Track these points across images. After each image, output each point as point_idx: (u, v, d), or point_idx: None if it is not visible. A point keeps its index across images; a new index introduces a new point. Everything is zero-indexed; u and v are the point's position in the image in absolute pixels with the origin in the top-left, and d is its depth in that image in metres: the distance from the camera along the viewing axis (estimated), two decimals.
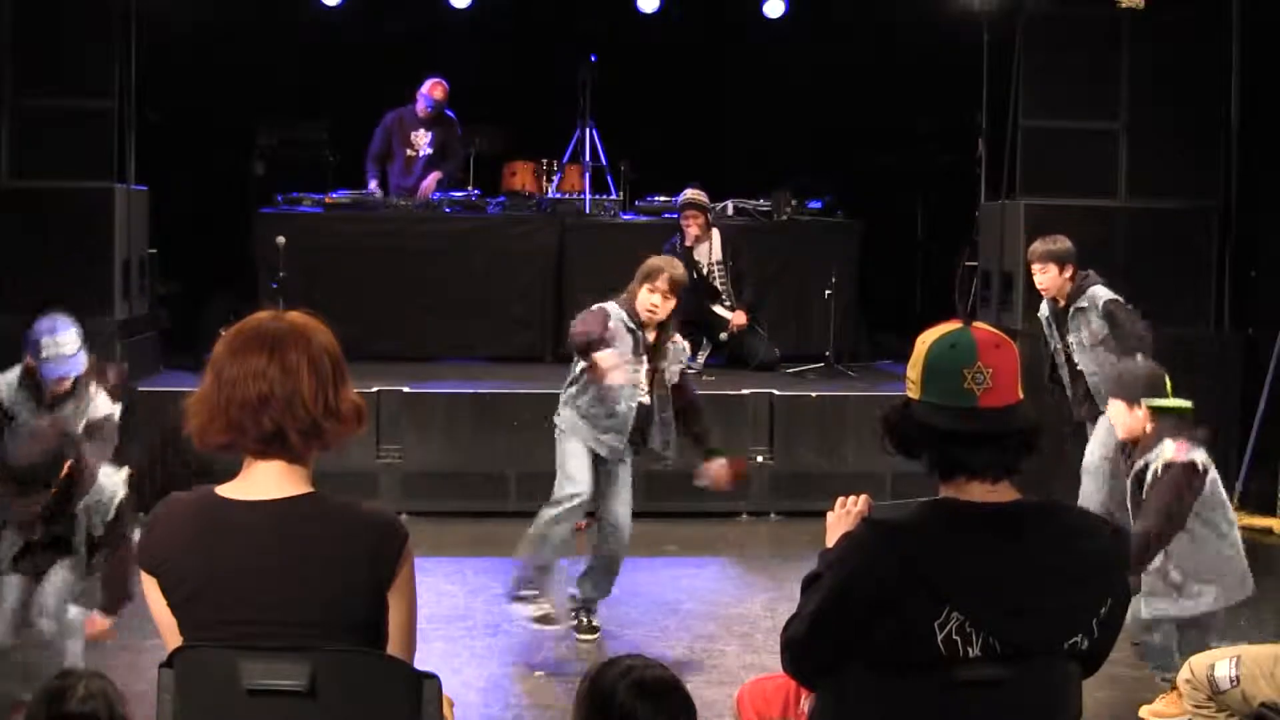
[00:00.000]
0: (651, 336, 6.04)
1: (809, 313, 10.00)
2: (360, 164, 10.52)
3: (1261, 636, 5.75)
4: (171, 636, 2.66)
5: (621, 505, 6.03)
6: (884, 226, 11.00)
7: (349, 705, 2.59)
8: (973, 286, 9.53)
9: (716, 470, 6.11)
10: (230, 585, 2.58)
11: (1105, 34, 8.70)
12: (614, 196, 10.55)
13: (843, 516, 2.93)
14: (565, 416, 6.03)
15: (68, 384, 6.02)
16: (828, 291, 9.40)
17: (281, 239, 8.75)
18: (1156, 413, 5.30)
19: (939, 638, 2.57)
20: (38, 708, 2.99)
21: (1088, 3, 8.72)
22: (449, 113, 10.48)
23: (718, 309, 9.63)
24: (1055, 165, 8.75)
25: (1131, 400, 5.35)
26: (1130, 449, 5.44)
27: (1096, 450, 6.73)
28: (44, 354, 5.84)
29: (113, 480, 5.09)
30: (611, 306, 5.96)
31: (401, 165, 10.42)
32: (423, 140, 10.40)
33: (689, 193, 9.60)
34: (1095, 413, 6.80)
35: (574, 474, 5.90)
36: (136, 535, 3.06)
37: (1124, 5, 8.53)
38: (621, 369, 5.76)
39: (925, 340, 2.72)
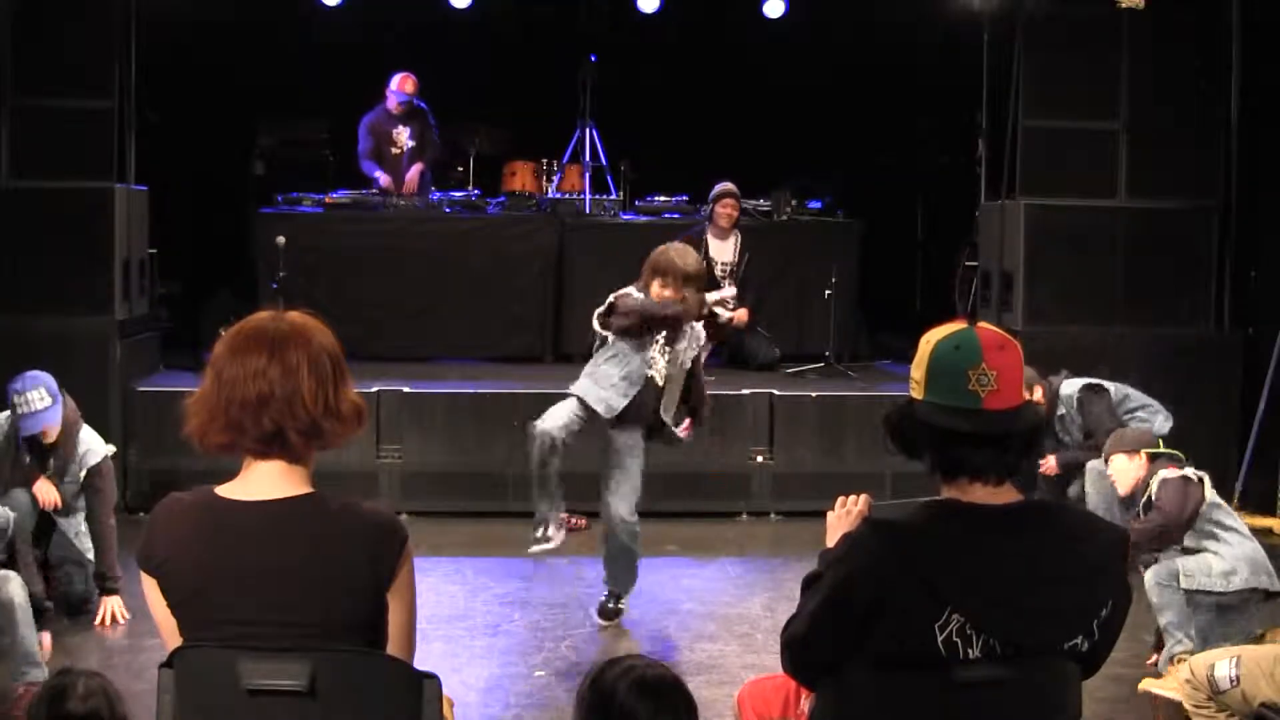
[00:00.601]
0: None
1: (809, 313, 9.99)
2: (357, 165, 10.52)
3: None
4: (171, 636, 2.66)
5: (616, 499, 6.08)
6: (884, 226, 11.00)
7: (349, 705, 2.59)
8: (973, 286, 9.53)
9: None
10: (230, 585, 2.58)
11: (1105, 34, 8.69)
12: (614, 196, 10.55)
13: (843, 516, 2.93)
14: (578, 381, 6.15)
15: (52, 435, 6.07)
16: (828, 291, 9.40)
17: (281, 239, 8.74)
18: (1152, 458, 5.80)
19: (939, 638, 2.57)
20: (39, 706, 2.99)
21: (1088, 3, 8.71)
22: (420, 104, 10.47)
23: (719, 310, 9.62)
24: (1055, 165, 8.74)
25: (1132, 450, 5.85)
26: (1134, 503, 5.83)
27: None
28: (18, 411, 5.94)
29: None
30: (633, 290, 6.09)
31: (388, 165, 10.43)
32: (404, 136, 10.41)
33: (728, 184, 9.60)
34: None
35: (549, 413, 6.02)
36: None
37: (1124, 5, 8.53)
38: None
39: (929, 340, 2.71)
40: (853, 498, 2.96)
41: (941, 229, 11.57)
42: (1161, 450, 5.84)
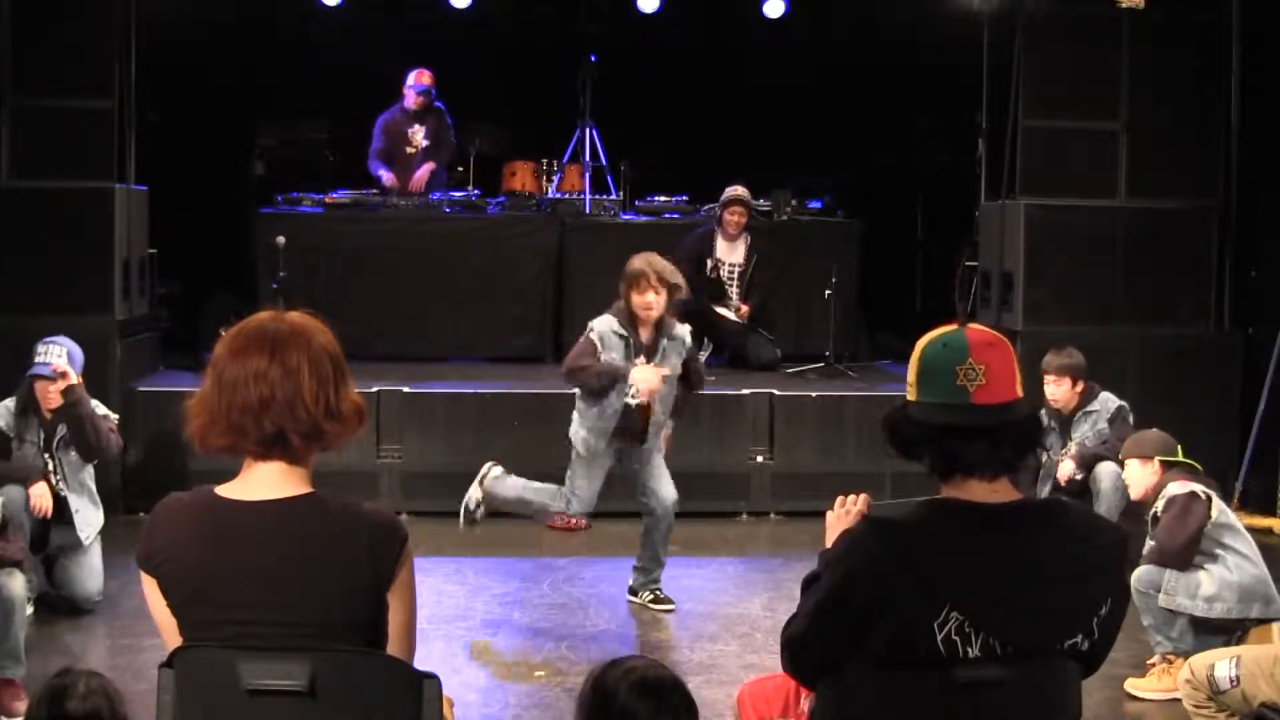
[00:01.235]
0: (645, 336, 6.15)
1: (809, 313, 10.00)
2: (361, 164, 10.51)
3: None
4: (171, 636, 2.66)
5: (664, 487, 6.38)
6: (884, 226, 11.00)
7: (349, 705, 2.59)
8: (973, 286, 9.53)
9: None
10: (230, 585, 2.58)
11: (1105, 34, 8.69)
12: (614, 196, 10.55)
13: (842, 516, 2.94)
14: (572, 429, 6.39)
15: (53, 398, 6.25)
16: (828, 291, 9.40)
17: (281, 239, 8.74)
18: (1166, 466, 5.61)
19: (938, 637, 2.57)
20: (39, 706, 2.99)
21: (1088, 3, 8.72)
22: (438, 103, 10.48)
23: (720, 310, 9.63)
24: (1055, 165, 8.74)
25: (1147, 456, 5.65)
26: (1146, 510, 5.67)
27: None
28: (36, 359, 6.27)
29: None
30: (599, 321, 6.24)
31: (400, 164, 10.43)
32: (419, 136, 10.41)
33: (739, 189, 9.59)
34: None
35: (579, 491, 6.34)
36: None
37: (1124, 5, 8.53)
38: (652, 378, 6.10)
39: (921, 342, 2.75)
40: (852, 497, 2.97)
41: (941, 229, 11.56)
42: (1177, 459, 5.64)
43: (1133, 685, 5.42)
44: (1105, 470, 6.87)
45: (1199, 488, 5.43)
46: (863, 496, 2.95)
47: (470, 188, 10.60)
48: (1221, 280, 8.94)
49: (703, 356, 9.44)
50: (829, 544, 2.83)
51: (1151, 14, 8.58)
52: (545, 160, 10.70)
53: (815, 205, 10.62)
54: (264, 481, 2.65)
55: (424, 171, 10.35)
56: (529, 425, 8.07)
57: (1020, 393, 2.71)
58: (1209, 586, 5.32)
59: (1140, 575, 5.43)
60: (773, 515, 8.39)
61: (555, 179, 10.59)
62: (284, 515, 2.62)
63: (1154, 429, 5.86)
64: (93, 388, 7.28)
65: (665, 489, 6.37)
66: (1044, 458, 7.13)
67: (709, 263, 9.56)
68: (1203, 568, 5.37)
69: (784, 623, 2.82)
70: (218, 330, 3.02)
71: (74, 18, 8.09)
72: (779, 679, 3.24)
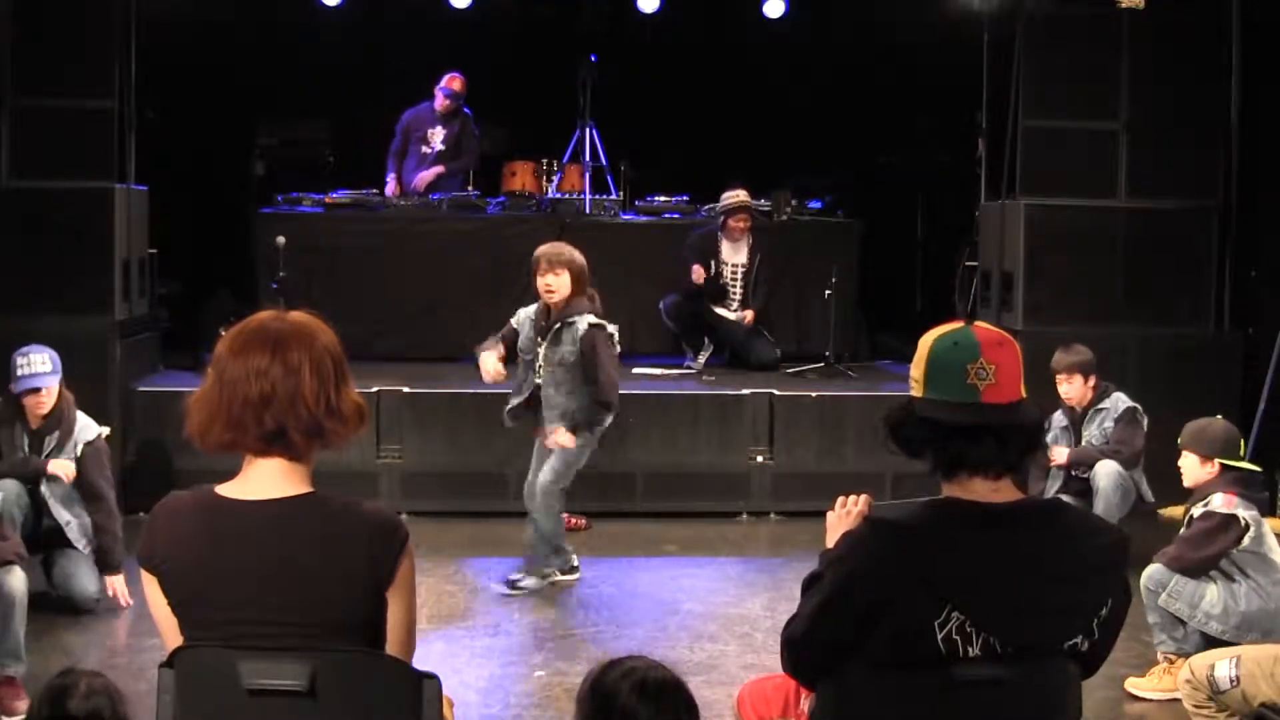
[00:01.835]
0: (549, 319, 6.55)
1: (809, 313, 10.00)
2: (361, 164, 10.53)
3: None
4: (172, 636, 2.66)
5: (545, 470, 6.61)
6: (884, 226, 11.00)
7: (349, 705, 2.59)
8: (973, 286, 9.53)
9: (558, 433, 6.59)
10: (230, 585, 2.58)
11: (1105, 34, 8.69)
12: (614, 196, 10.55)
13: (843, 516, 2.93)
14: None
15: (44, 404, 6.20)
16: (828, 291, 9.40)
17: (281, 239, 8.74)
18: (1225, 469, 5.45)
19: (939, 637, 2.57)
20: (40, 705, 2.99)
21: (1088, 3, 8.72)
22: (465, 109, 10.50)
23: (720, 310, 9.63)
24: (1055, 165, 8.74)
25: (1207, 456, 5.46)
26: (1190, 496, 5.55)
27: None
28: (18, 373, 6.18)
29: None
30: (525, 309, 6.74)
31: (416, 162, 10.46)
32: (437, 137, 10.43)
33: (742, 196, 9.59)
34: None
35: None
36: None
37: (1124, 5, 8.53)
38: (486, 360, 6.71)
39: (928, 339, 2.73)
40: (853, 498, 2.96)
41: (941, 229, 11.56)
42: (1238, 464, 5.48)
43: (1133, 685, 5.43)
44: (1104, 469, 6.87)
45: (1243, 513, 5.29)
46: (864, 497, 2.95)
47: (470, 188, 10.60)
48: (1221, 280, 8.94)
49: (703, 357, 9.48)
50: (830, 544, 2.83)
51: (1151, 14, 8.58)
52: (545, 160, 10.71)
53: (815, 205, 10.62)
54: (264, 480, 2.65)
55: (430, 173, 10.36)
56: (529, 425, 8.05)
57: (1024, 393, 2.71)
58: (1212, 603, 5.28)
59: (1151, 574, 5.39)
60: (773, 515, 8.39)
61: (555, 179, 10.60)
62: (284, 515, 2.62)
63: (1219, 420, 5.66)
64: (92, 388, 7.31)
65: (544, 471, 6.60)
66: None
67: (713, 263, 9.56)
68: (1215, 582, 5.31)
69: (784, 623, 2.82)
70: (218, 330, 3.02)
71: (74, 18, 8.09)
72: (779, 679, 3.24)
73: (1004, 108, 8.84)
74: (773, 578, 7.07)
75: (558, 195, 10.47)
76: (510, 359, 6.74)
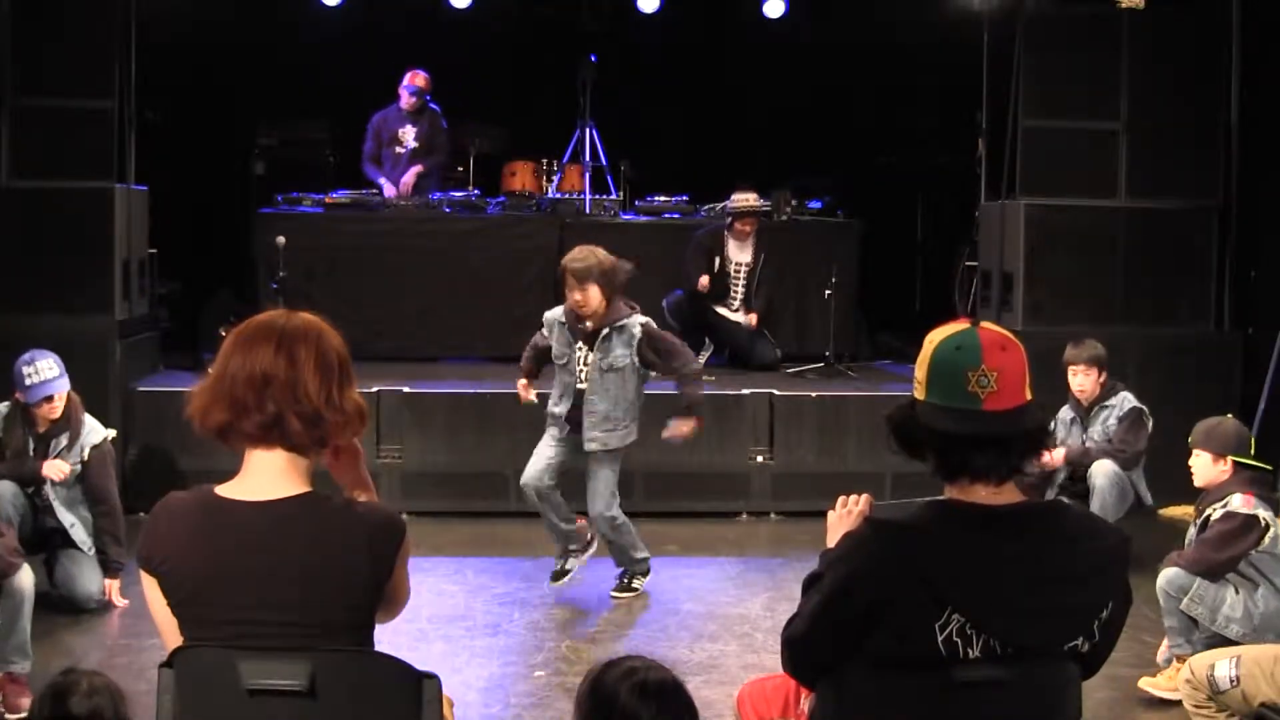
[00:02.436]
0: (589, 324, 6.43)
1: (809, 313, 10.00)
2: (361, 164, 10.51)
3: None
4: (171, 636, 2.66)
5: (593, 498, 6.50)
6: (884, 226, 11.00)
7: (349, 705, 2.59)
8: (973, 286, 9.53)
9: (676, 426, 6.62)
10: (230, 585, 2.58)
11: (1105, 34, 8.69)
12: (614, 196, 10.55)
13: (844, 516, 2.93)
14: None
15: (57, 409, 6.18)
16: (828, 291, 9.40)
17: (281, 239, 8.74)
18: (1237, 467, 5.40)
19: (939, 638, 2.56)
20: (41, 704, 2.99)
21: (1088, 3, 8.72)
22: (432, 105, 10.48)
23: (722, 310, 9.63)
24: (1055, 165, 8.74)
25: (1220, 453, 5.41)
26: (1200, 496, 5.51)
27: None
28: (27, 382, 6.14)
29: None
30: (552, 312, 6.62)
31: (391, 164, 10.44)
32: (408, 135, 10.42)
33: (751, 200, 9.58)
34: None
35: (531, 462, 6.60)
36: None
37: (1124, 5, 8.53)
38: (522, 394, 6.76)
39: (932, 340, 2.71)
40: (853, 497, 2.96)
41: (941, 229, 11.57)
42: (1251, 462, 5.41)
43: (1148, 684, 5.38)
44: (1101, 469, 6.87)
45: (1263, 513, 5.25)
46: (864, 497, 2.95)
47: (470, 188, 10.61)
48: (1221, 280, 8.94)
49: (703, 357, 9.48)
50: (830, 544, 2.83)
51: (1151, 14, 8.58)
52: (545, 160, 10.71)
53: (815, 205, 10.62)
54: (264, 479, 2.65)
55: (410, 175, 10.36)
56: (529, 425, 8.04)
57: (1030, 395, 2.68)
58: (1232, 607, 5.25)
59: (1170, 577, 5.32)
60: (773, 515, 8.39)
61: (555, 179, 10.60)
62: (284, 515, 2.62)
63: (1230, 419, 5.64)
64: (93, 388, 7.30)
65: (593, 501, 6.49)
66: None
67: (718, 260, 9.56)
68: (1233, 586, 5.27)
69: (784, 622, 2.82)
70: (218, 330, 3.03)
71: (74, 18, 8.09)
72: (779, 679, 3.24)
73: (1004, 108, 8.85)
74: (773, 578, 7.07)
75: (558, 195, 10.47)
76: (542, 362, 6.75)
